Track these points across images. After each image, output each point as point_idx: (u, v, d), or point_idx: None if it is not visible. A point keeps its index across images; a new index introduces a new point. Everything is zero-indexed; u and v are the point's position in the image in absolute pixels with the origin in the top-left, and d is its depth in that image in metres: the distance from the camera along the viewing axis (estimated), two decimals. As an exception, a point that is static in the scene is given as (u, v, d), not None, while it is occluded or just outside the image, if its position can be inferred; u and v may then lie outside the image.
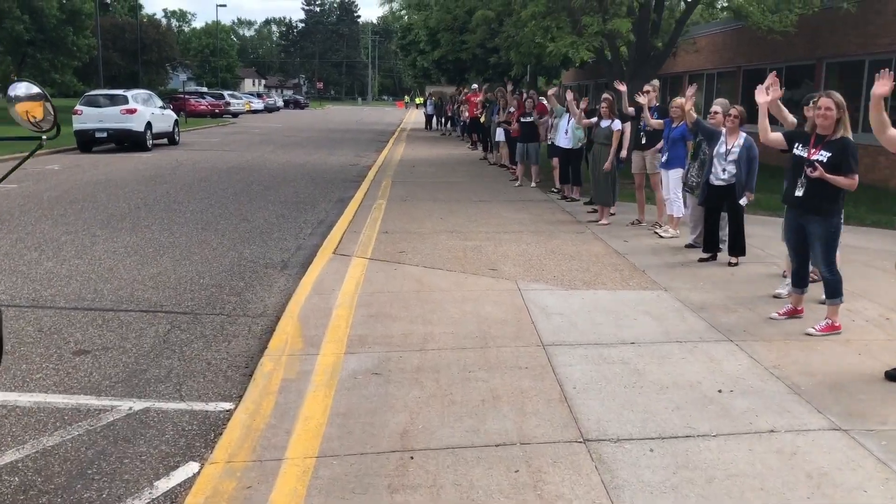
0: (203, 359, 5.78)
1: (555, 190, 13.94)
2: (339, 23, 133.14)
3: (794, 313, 6.36)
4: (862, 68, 15.52)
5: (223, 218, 11.75)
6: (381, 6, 26.37)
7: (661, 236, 9.73)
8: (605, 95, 11.14)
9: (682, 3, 16.78)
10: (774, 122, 6.65)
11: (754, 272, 8.03)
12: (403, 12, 26.11)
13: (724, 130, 8.20)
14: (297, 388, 5.04)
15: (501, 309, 6.56)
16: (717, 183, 8.17)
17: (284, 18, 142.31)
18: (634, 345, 5.71)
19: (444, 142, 29.53)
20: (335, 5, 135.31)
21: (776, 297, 6.99)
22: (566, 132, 13.16)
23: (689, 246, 9.12)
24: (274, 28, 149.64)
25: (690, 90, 8.73)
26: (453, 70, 34.02)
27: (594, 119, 11.00)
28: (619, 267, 8.14)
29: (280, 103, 75.18)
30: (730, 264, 8.24)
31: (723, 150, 8.11)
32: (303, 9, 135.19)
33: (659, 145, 10.11)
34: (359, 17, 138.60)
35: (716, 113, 8.42)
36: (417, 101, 77.65)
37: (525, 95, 15.30)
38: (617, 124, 10.55)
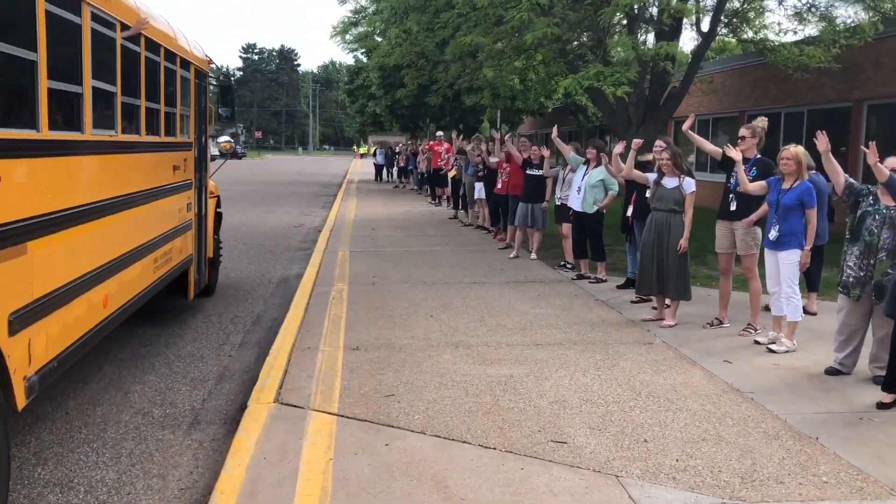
0: None
1: (568, 266, 10.67)
2: (279, 71, 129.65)
3: None
4: (923, 110, 12.88)
5: (113, 318, 8.10)
6: (332, 38, 23.51)
7: (773, 350, 6.50)
8: (660, 143, 7.98)
9: (697, 32, 13.92)
10: None
11: None
12: (355, 51, 23.22)
13: (919, 198, 5.06)
14: None
15: (634, 579, 3.14)
16: (913, 283, 5.00)
17: (222, 67, 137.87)
18: None
19: (399, 196, 26.22)
20: (274, 53, 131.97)
21: None
22: (579, 190, 9.97)
23: (832, 372, 5.90)
24: (211, 76, 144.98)
25: (872, 154, 5.43)
26: (408, 116, 30.84)
27: (650, 175, 7.79)
28: (767, 428, 4.81)
29: (216, 153, 70.95)
30: (933, 414, 5.02)
31: (923, 229, 4.96)
32: (240, 56, 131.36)
33: (755, 215, 6.96)
34: (298, 65, 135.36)
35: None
36: (361, 150, 74.21)
37: (523, 142, 12.06)
38: (690, 184, 7.37)
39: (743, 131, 7.05)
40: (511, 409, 5.09)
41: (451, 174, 17.99)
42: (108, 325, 5.29)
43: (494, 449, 4.44)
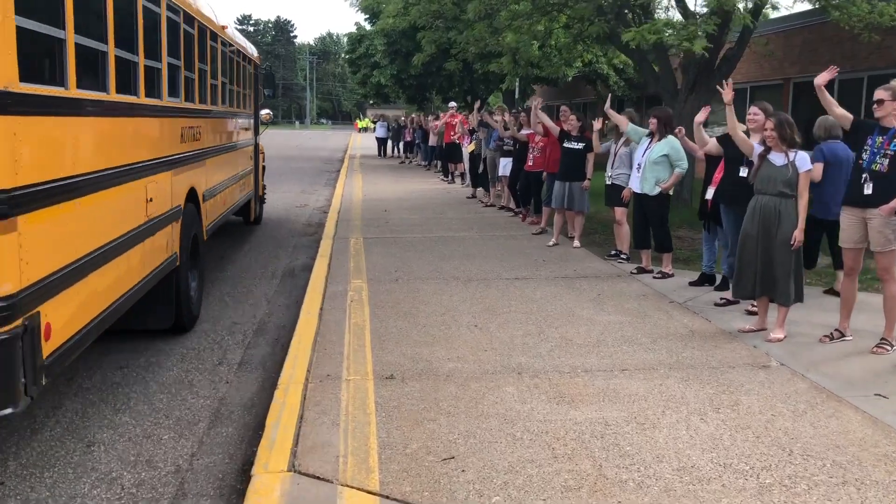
0: None
1: (622, 256, 9.16)
2: (275, 43, 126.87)
3: None
4: None
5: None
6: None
7: (931, 377, 5.02)
8: (755, 109, 6.48)
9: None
10: None
11: None
12: (365, 7, 21.43)
13: None
14: None
15: None
16: None
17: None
18: None
19: (407, 172, 24.60)
20: (270, 25, 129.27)
21: None
22: (639, 168, 8.45)
23: None
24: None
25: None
26: (416, 87, 29.01)
27: (757, 147, 6.22)
28: None
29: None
30: None
31: None
32: (236, 28, 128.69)
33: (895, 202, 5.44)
34: (295, 37, 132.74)
35: None
36: (361, 124, 72.05)
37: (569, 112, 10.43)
38: (804, 160, 5.85)
39: (881, 93, 5.49)
40: (625, 484, 3.60)
41: (468, 148, 16.42)
42: (225, 216, 8.84)
43: (625, 565, 2.97)
